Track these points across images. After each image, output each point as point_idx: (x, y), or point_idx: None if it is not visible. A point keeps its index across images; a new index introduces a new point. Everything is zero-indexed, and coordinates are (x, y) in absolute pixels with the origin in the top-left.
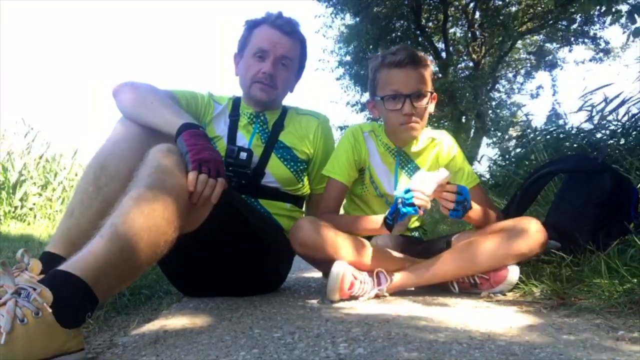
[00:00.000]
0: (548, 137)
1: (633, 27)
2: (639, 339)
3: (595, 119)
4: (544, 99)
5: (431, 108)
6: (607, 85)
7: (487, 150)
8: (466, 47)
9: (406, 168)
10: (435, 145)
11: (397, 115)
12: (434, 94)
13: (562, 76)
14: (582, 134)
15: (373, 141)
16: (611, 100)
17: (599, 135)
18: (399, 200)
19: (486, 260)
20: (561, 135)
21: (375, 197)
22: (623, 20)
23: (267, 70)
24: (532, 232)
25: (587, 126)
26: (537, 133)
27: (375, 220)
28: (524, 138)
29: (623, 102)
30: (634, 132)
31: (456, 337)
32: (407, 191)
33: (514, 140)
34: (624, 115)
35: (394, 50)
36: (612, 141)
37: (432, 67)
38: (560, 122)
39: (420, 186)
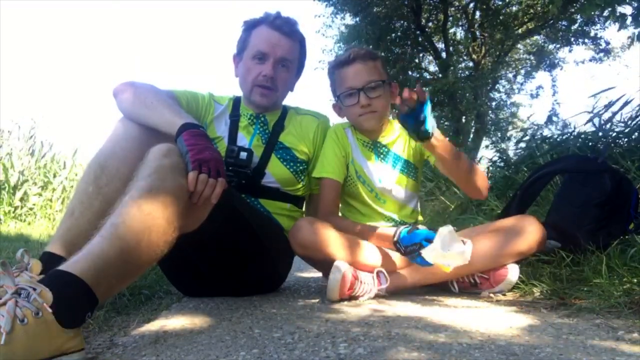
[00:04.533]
0: (551, 140)
1: (637, 31)
2: (639, 339)
3: (597, 122)
4: (544, 99)
5: (390, 97)
6: (609, 88)
7: (487, 152)
8: (466, 48)
9: (386, 158)
10: None
11: (355, 109)
12: (393, 82)
13: (562, 76)
14: (583, 136)
15: (353, 136)
16: (614, 103)
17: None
18: (417, 246)
19: (485, 259)
20: (563, 137)
21: (365, 192)
22: (628, 22)
23: (267, 73)
24: (530, 231)
25: (590, 128)
26: (540, 138)
27: (384, 236)
28: (530, 142)
29: (626, 103)
30: (635, 133)
31: (456, 337)
32: (427, 242)
33: (514, 140)
34: (628, 119)
35: (343, 52)
36: (616, 141)
37: (382, 58)
38: (559, 124)
39: (442, 247)
